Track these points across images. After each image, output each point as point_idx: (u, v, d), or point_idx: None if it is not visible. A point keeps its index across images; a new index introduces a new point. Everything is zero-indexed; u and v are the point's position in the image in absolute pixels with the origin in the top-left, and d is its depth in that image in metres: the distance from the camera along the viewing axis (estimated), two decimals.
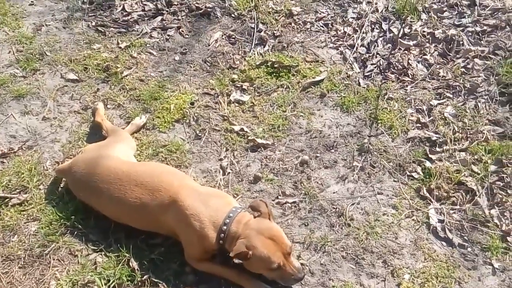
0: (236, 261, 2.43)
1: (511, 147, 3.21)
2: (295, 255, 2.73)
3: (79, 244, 2.79)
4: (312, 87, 3.76)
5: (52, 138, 3.40)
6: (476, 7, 4.31)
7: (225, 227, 2.50)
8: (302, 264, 2.68)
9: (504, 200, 2.98)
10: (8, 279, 2.65)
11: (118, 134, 3.22)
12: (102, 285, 2.58)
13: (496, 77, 3.70)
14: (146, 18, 4.37)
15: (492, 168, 3.13)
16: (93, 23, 4.32)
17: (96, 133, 3.38)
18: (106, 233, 2.83)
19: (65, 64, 3.92)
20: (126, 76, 3.81)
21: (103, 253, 2.74)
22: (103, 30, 4.25)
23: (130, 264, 2.65)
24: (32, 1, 4.55)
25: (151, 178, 2.68)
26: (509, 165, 3.13)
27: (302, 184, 3.13)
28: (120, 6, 4.46)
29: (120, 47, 4.07)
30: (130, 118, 3.51)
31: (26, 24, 4.30)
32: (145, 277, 2.60)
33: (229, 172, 3.20)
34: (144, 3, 4.48)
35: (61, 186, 3.08)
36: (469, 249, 2.80)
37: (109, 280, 2.60)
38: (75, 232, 2.83)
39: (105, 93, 3.69)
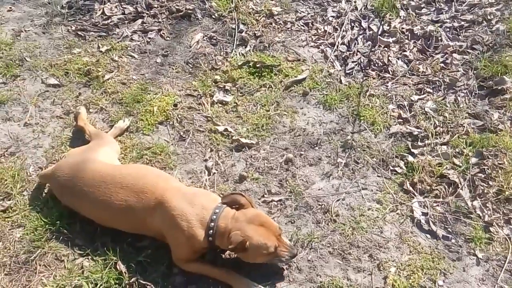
0: (231, 255, 2.44)
1: (491, 140, 3.28)
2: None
3: (65, 249, 2.77)
4: (295, 86, 3.78)
5: (34, 143, 3.37)
6: (453, 3, 4.39)
7: (212, 224, 2.51)
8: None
9: (485, 191, 3.03)
10: None
11: (101, 138, 3.20)
12: None
13: (475, 71, 3.77)
14: (126, 22, 4.35)
15: (473, 160, 3.19)
16: (73, 28, 4.29)
17: (79, 138, 3.36)
18: (92, 237, 2.81)
19: (45, 69, 3.88)
20: (107, 79, 3.80)
21: (89, 257, 2.72)
22: (83, 35, 4.22)
23: (118, 267, 2.64)
24: (10, 7, 4.50)
25: (136, 180, 2.67)
26: (489, 157, 3.18)
27: (287, 182, 3.14)
28: (99, 10, 4.43)
29: (101, 51, 4.05)
30: (113, 121, 3.49)
31: (5, 30, 4.25)
32: (132, 279, 2.59)
33: (214, 173, 3.20)
34: (124, 6, 4.46)
35: (45, 191, 3.05)
36: (453, 240, 2.84)
37: (96, 284, 2.58)
38: (61, 237, 2.81)
39: (87, 97, 3.67)
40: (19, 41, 4.15)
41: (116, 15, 4.40)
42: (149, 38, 4.21)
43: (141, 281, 2.58)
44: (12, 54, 4.00)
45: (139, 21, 4.35)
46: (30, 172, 3.18)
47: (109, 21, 4.34)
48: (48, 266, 2.72)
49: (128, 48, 4.10)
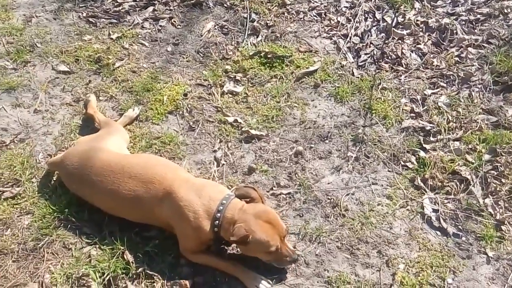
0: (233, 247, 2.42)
1: (505, 136, 3.22)
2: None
3: (73, 237, 2.77)
4: (306, 77, 3.74)
5: (44, 130, 3.37)
6: None
7: (219, 214, 2.50)
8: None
9: (498, 189, 2.98)
10: (1, 273, 2.62)
11: (110, 126, 3.19)
12: (96, 278, 2.56)
13: (490, 66, 3.71)
14: (137, 9, 4.32)
15: (486, 157, 3.14)
16: (84, 14, 4.27)
17: (89, 126, 3.35)
18: (100, 226, 2.81)
19: (56, 55, 3.87)
20: (118, 67, 3.78)
21: (97, 246, 2.72)
22: (94, 21, 4.20)
23: (125, 256, 2.63)
24: None
25: (145, 170, 2.66)
26: (503, 154, 3.13)
27: (296, 175, 3.12)
28: None
29: (111, 38, 4.03)
30: (123, 110, 3.48)
31: (16, 15, 4.25)
32: (140, 269, 2.58)
33: (223, 164, 3.18)
34: None
35: (54, 179, 3.05)
36: (463, 238, 2.81)
37: (103, 273, 2.58)
38: (69, 225, 2.81)
39: (97, 85, 3.66)
40: (30, 26, 4.14)
41: (127, 2, 4.37)
42: (160, 26, 4.18)
43: (148, 272, 2.58)
44: (23, 39, 4.00)
45: (151, 8, 4.32)
46: (39, 159, 3.18)
47: (120, 8, 4.32)
48: (56, 254, 2.72)
49: (139, 36, 4.08)
